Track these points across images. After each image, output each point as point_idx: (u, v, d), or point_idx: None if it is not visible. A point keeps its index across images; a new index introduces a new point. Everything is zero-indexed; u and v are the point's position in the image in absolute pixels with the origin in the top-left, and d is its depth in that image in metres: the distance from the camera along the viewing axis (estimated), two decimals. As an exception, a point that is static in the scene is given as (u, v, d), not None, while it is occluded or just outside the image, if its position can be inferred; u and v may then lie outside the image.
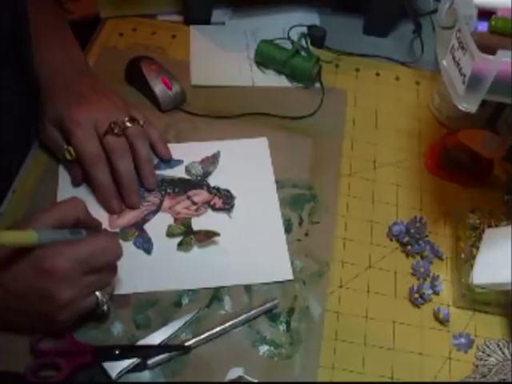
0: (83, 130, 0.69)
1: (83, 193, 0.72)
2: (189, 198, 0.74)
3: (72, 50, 0.78)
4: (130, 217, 0.71)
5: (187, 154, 0.78)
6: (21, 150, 0.76)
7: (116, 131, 0.69)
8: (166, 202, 0.73)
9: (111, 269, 0.62)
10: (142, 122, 0.73)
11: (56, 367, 0.59)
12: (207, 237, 0.70)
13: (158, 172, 0.75)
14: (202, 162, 0.77)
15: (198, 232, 0.70)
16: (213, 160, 0.77)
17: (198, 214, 0.73)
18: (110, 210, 0.71)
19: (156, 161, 0.76)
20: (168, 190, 0.74)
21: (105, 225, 0.69)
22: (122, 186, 0.71)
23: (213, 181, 0.76)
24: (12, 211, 0.71)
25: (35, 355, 0.60)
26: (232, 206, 0.73)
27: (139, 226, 0.71)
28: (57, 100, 0.72)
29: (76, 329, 0.62)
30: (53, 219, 0.58)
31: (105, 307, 0.61)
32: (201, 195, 0.74)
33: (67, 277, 0.56)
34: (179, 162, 0.77)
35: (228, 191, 0.74)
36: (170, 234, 0.70)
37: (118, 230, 0.70)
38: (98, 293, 0.60)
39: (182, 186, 0.75)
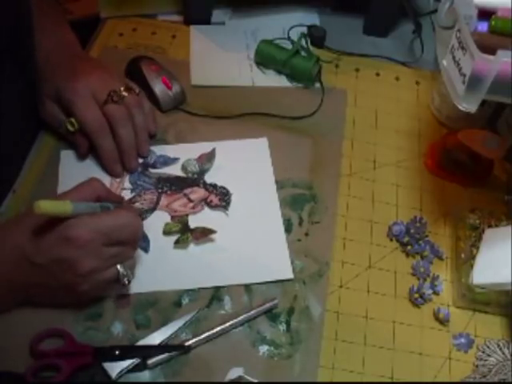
0: (83, 99, 0.71)
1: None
2: (185, 195, 0.74)
3: (65, 34, 0.79)
4: None
5: (185, 152, 0.78)
6: (21, 150, 0.76)
7: (115, 99, 0.71)
8: (163, 200, 0.73)
9: (132, 243, 0.63)
10: (137, 91, 0.75)
11: (56, 368, 0.59)
12: (204, 234, 0.70)
13: (154, 171, 0.76)
14: (199, 159, 0.77)
15: (195, 229, 0.71)
16: (209, 157, 0.77)
17: (195, 211, 0.73)
18: (114, 174, 0.74)
19: (153, 159, 0.77)
20: (164, 188, 0.74)
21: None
22: (123, 151, 0.73)
23: (212, 180, 0.76)
24: (12, 211, 0.70)
25: (35, 356, 0.60)
26: (228, 203, 0.74)
27: None
28: (53, 76, 0.73)
29: (76, 329, 0.62)
30: (77, 199, 0.60)
31: (125, 280, 0.62)
32: (197, 192, 0.74)
33: (89, 246, 0.58)
34: (175, 159, 0.77)
35: (224, 188, 0.75)
36: (167, 231, 0.71)
37: None
38: (119, 266, 0.61)
39: (179, 184, 0.75)
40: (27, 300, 0.62)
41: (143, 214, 0.72)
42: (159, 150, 0.78)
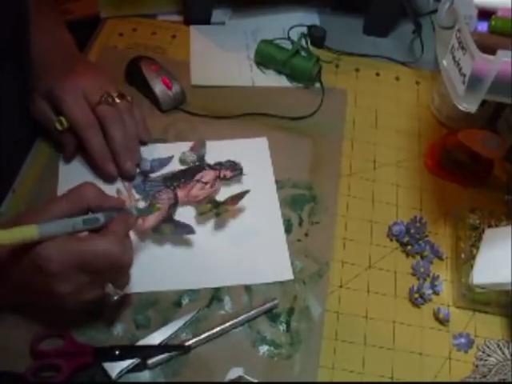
0: (73, 97, 0.70)
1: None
2: (198, 181, 0.74)
3: (62, 34, 0.78)
4: (154, 218, 0.70)
5: (175, 149, 0.78)
6: (21, 150, 0.76)
7: (108, 101, 0.71)
8: (180, 193, 0.74)
9: (113, 272, 0.59)
10: (130, 99, 0.74)
11: (56, 368, 0.59)
12: (239, 198, 0.71)
13: (155, 174, 0.75)
14: (192, 149, 0.78)
15: (227, 200, 0.71)
16: (200, 143, 0.78)
17: (215, 189, 0.74)
18: (107, 175, 0.72)
19: (148, 166, 0.76)
20: (175, 184, 0.74)
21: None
22: (116, 152, 0.72)
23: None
24: (12, 211, 0.70)
25: (35, 356, 0.60)
26: (241, 171, 0.75)
27: (169, 219, 0.71)
28: (46, 75, 0.72)
29: (76, 329, 0.62)
30: (60, 212, 0.57)
31: (113, 298, 0.59)
32: (207, 175, 0.75)
33: (61, 275, 0.55)
34: (170, 158, 0.77)
35: (229, 160, 0.76)
36: (201, 212, 0.71)
37: (150, 231, 0.69)
38: (106, 286, 0.58)
39: (186, 175, 0.75)
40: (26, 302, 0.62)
41: (169, 210, 0.71)
42: (149, 154, 0.77)
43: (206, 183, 0.74)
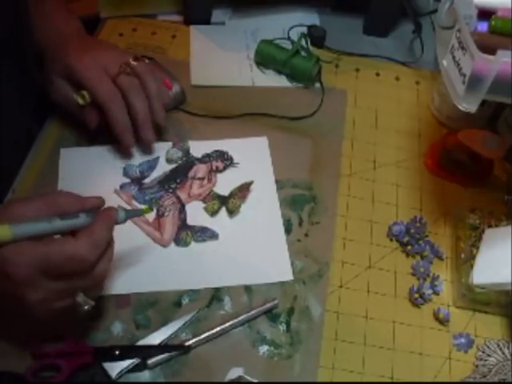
0: (94, 72, 0.71)
1: (83, 187, 0.71)
2: (194, 178, 0.75)
3: (67, 15, 0.78)
4: (169, 227, 0.71)
5: (158, 149, 0.78)
6: (21, 149, 0.76)
7: (127, 71, 0.71)
8: (182, 195, 0.74)
9: (85, 276, 0.55)
10: (146, 60, 0.74)
11: (56, 368, 0.59)
12: (246, 189, 0.74)
13: (148, 180, 0.75)
14: (175, 145, 0.78)
15: (233, 194, 0.73)
16: (181, 137, 0.79)
17: (214, 183, 0.75)
18: (125, 144, 0.73)
19: (137, 172, 0.75)
20: (172, 186, 0.74)
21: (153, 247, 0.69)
22: (139, 122, 0.73)
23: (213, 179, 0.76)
24: (12, 211, 0.70)
25: (35, 356, 0.60)
26: (232, 160, 0.77)
27: (185, 226, 0.71)
28: (61, 54, 0.72)
29: (75, 330, 0.62)
30: (36, 212, 0.54)
31: (85, 308, 0.55)
32: (200, 169, 0.76)
33: (29, 282, 0.52)
34: (156, 159, 0.77)
35: (217, 150, 0.77)
36: (211, 211, 0.72)
37: (172, 243, 0.70)
38: (77, 295, 0.55)
39: (179, 174, 0.76)
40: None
41: (181, 216, 0.72)
42: (134, 158, 0.77)
43: (202, 179, 0.75)
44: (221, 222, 0.72)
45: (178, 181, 0.75)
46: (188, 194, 0.74)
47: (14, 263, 0.51)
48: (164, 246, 0.70)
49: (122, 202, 0.73)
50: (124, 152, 0.76)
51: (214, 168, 0.76)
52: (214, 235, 0.71)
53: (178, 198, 0.74)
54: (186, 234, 0.71)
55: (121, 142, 0.74)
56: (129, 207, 0.72)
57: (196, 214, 0.73)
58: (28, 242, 0.52)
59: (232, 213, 0.72)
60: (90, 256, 0.54)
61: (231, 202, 0.73)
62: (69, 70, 0.71)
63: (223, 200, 0.73)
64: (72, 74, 0.71)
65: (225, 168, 0.76)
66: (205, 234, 0.71)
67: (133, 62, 0.72)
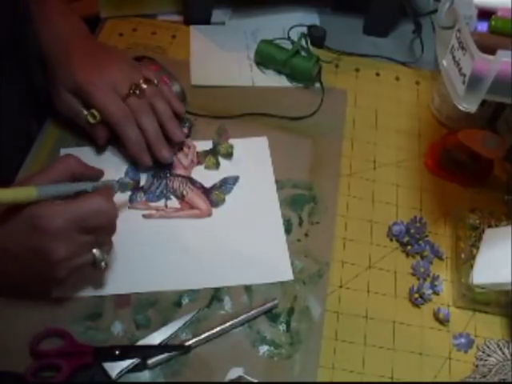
0: (104, 91, 0.71)
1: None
2: (175, 154, 0.77)
3: (72, 17, 0.77)
4: (198, 200, 0.74)
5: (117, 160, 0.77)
6: (21, 150, 0.76)
7: (137, 93, 0.72)
8: (179, 171, 0.76)
9: (107, 230, 0.62)
10: (156, 82, 0.74)
11: (56, 368, 0.59)
12: (224, 131, 0.79)
13: (143, 181, 0.74)
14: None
15: (217, 142, 0.78)
16: None
17: (192, 146, 0.78)
18: (143, 164, 0.74)
19: (128, 180, 0.75)
20: (166, 170, 0.76)
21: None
22: (151, 142, 0.73)
23: (213, 181, 0.76)
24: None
25: (35, 356, 0.60)
26: (190, 123, 0.80)
27: (208, 190, 0.75)
28: (69, 65, 0.72)
29: (76, 329, 0.62)
30: (47, 180, 0.58)
31: (102, 264, 0.61)
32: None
33: (61, 234, 0.56)
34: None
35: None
36: (214, 165, 0.77)
37: (212, 209, 0.73)
38: (95, 250, 0.60)
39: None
40: (8, 292, 0.62)
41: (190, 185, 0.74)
42: (114, 172, 0.75)
43: (181, 149, 0.77)
44: (221, 221, 0.72)
45: (166, 164, 0.76)
46: (183, 167, 0.76)
47: (46, 216, 0.56)
48: (208, 215, 0.72)
49: (141, 211, 0.72)
50: (125, 153, 0.76)
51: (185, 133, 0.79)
52: (236, 179, 0.76)
53: (179, 175, 0.75)
54: (215, 193, 0.74)
55: (137, 161, 0.74)
56: (149, 211, 0.72)
57: (204, 176, 0.76)
58: (58, 202, 0.57)
59: (229, 155, 0.77)
60: (113, 210, 0.60)
61: (221, 148, 0.78)
62: (77, 88, 0.71)
63: (213, 152, 0.78)
64: (81, 92, 0.71)
65: (190, 131, 0.79)
66: (228, 183, 0.75)
67: (143, 85, 0.72)
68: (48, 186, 0.58)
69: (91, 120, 0.72)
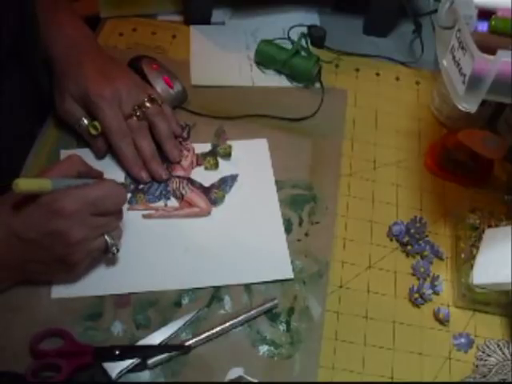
0: (110, 106, 0.72)
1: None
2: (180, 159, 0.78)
3: (83, 28, 0.78)
4: (198, 198, 0.74)
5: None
6: (21, 150, 0.76)
7: (138, 114, 0.73)
8: (179, 172, 0.76)
9: (117, 213, 0.65)
10: (159, 102, 0.75)
11: (56, 368, 0.59)
12: (222, 132, 0.80)
13: (144, 186, 0.75)
14: None
15: (215, 144, 0.79)
16: None
17: (192, 148, 0.79)
18: (140, 180, 0.74)
19: (131, 184, 0.75)
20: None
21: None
22: (146, 160, 0.74)
23: (213, 181, 0.76)
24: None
25: (35, 356, 0.60)
26: (188, 126, 0.80)
27: (207, 189, 0.75)
28: (78, 74, 0.73)
29: (76, 329, 0.62)
30: (57, 175, 0.61)
31: (114, 249, 0.64)
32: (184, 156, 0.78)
33: (76, 216, 0.59)
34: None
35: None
36: (213, 166, 0.77)
37: (211, 207, 0.73)
38: (106, 236, 0.63)
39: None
40: (25, 278, 0.63)
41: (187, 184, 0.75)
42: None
43: (180, 152, 0.77)
44: (221, 220, 0.72)
45: (166, 166, 0.76)
46: (183, 169, 0.76)
47: (61, 199, 0.59)
48: (208, 213, 0.73)
49: (141, 212, 0.72)
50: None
51: (180, 139, 0.79)
52: (234, 178, 0.76)
53: (179, 176, 0.75)
54: (214, 192, 0.74)
55: (134, 177, 0.74)
56: (148, 211, 0.73)
57: (203, 177, 0.76)
58: (72, 187, 0.61)
59: (228, 155, 0.77)
60: (123, 194, 0.65)
61: (220, 150, 0.78)
62: (86, 97, 0.72)
63: (212, 153, 0.78)
64: (89, 102, 0.72)
65: (189, 134, 0.79)
66: (228, 182, 0.75)
67: (147, 103, 0.73)
68: (61, 179, 0.61)
69: (93, 131, 0.73)
